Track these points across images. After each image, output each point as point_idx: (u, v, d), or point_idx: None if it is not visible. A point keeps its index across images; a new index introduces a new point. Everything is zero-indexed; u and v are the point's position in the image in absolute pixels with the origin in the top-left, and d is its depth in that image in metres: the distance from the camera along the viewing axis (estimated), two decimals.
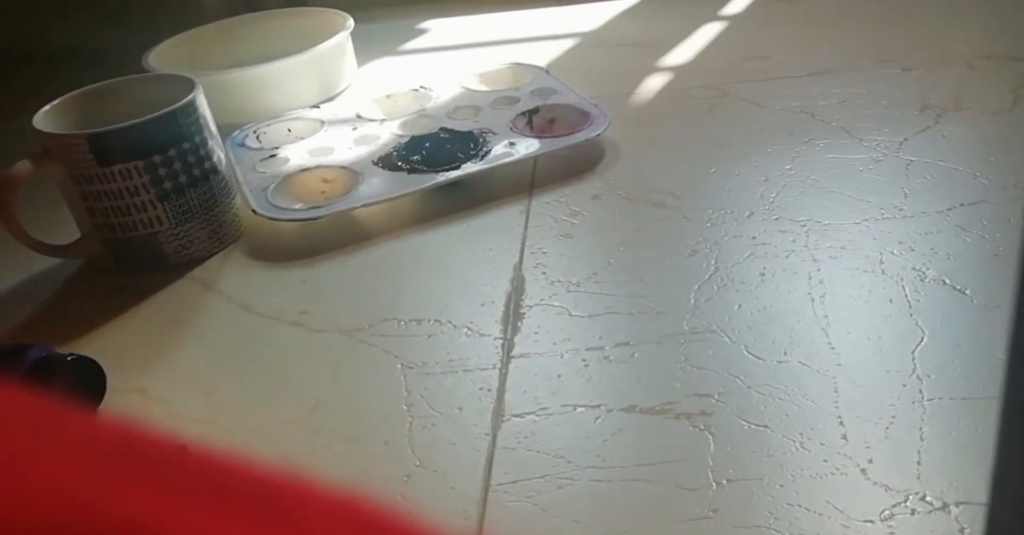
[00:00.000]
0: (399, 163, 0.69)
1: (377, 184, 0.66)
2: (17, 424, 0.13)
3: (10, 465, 0.12)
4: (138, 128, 0.59)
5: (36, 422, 0.13)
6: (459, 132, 0.72)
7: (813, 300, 0.52)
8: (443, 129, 0.73)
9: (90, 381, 0.51)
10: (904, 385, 0.45)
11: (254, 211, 0.64)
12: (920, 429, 0.42)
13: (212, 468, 0.14)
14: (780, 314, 0.52)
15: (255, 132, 0.77)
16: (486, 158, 0.68)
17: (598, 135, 0.70)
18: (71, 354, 0.51)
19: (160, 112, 0.59)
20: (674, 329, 0.52)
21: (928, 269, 0.54)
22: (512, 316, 0.55)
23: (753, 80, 0.83)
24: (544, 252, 0.61)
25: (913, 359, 0.46)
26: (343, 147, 0.73)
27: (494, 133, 0.72)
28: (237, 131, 0.77)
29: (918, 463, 0.41)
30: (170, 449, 0.14)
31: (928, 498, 0.39)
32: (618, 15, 1.07)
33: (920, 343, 0.47)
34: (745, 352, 0.49)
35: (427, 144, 0.71)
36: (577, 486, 0.43)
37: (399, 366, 0.52)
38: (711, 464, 0.43)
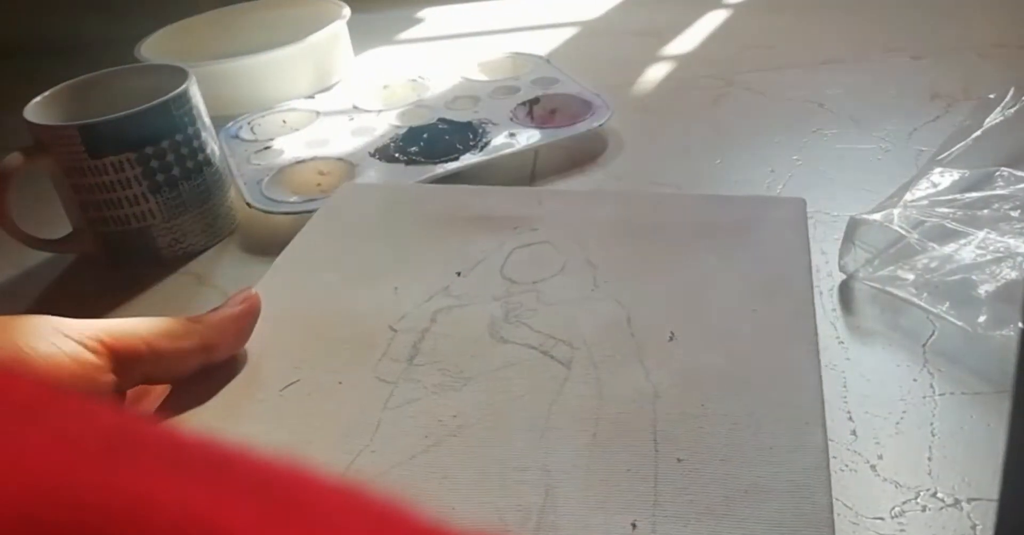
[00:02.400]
0: (396, 155, 0.68)
1: (374, 176, 0.65)
2: (9, 404, 0.13)
3: (3, 445, 0.11)
4: (130, 119, 0.58)
5: (28, 403, 0.13)
6: (458, 123, 0.71)
7: (822, 293, 0.51)
8: (441, 120, 0.72)
9: None
10: (915, 379, 0.44)
11: (248, 204, 0.63)
12: (931, 424, 0.41)
13: (214, 454, 0.13)
14: None
15: (249, 123, 0.76)
16: (486, 149, 0.67)
17: (600, 125, 0.68)
18: None
19: (152, 103, 0.58)
20: None
21: None
22: None
23: (759, 69, 0.81)
24: None
25: (924, 353, 0.45)
26: (339, 138, 0.72)
27: (494, 123, 0.70)
28: (231, 122, 0.75)
29: (929, 459, 0.40)
30: (168, 434, 0.13)
31: (939, 494, 0.38)
32: (620, 3, 1.05)
33: (931, 337, 0.46)
34: None
35: (425, 135, 0.69)
36: None
37: None
38: None
